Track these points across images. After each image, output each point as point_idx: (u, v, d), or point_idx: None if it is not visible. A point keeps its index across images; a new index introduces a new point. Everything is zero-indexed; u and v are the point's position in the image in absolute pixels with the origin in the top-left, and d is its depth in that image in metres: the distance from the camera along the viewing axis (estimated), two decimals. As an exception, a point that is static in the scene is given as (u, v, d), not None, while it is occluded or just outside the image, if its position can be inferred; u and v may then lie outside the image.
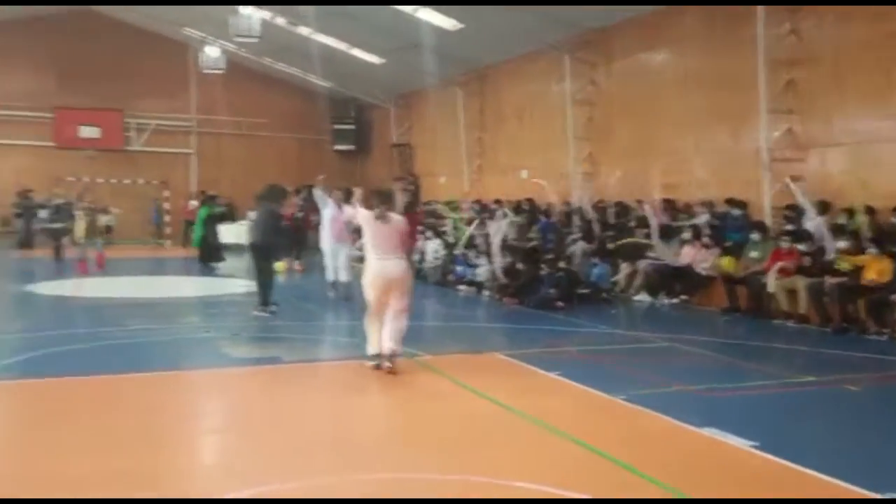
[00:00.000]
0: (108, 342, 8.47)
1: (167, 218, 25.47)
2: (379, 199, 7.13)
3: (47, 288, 13.34)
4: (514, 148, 18.78)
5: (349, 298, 11.10)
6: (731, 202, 12.26)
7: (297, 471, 4.56)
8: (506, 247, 12.93)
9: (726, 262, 11.56)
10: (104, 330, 9.23)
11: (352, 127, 26.86)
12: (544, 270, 11.96)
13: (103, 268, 14.91)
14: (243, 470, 4.62)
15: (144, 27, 24.59)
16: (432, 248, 15.04)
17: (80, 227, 15.61)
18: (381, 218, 6.89)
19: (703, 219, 12.45)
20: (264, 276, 10.32)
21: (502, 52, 18.12)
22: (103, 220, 15.94)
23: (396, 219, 7.03)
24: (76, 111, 24.15)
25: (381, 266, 6.88)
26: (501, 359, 7.82)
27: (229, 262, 16.97)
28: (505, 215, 14.64)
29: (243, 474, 4.52)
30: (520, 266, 12.37)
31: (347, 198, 12.73)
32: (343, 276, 11.92)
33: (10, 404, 6.06)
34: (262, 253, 10.35)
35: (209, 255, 17.18)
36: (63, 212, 17.98)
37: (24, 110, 23.67)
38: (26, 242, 18.44)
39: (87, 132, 24.32)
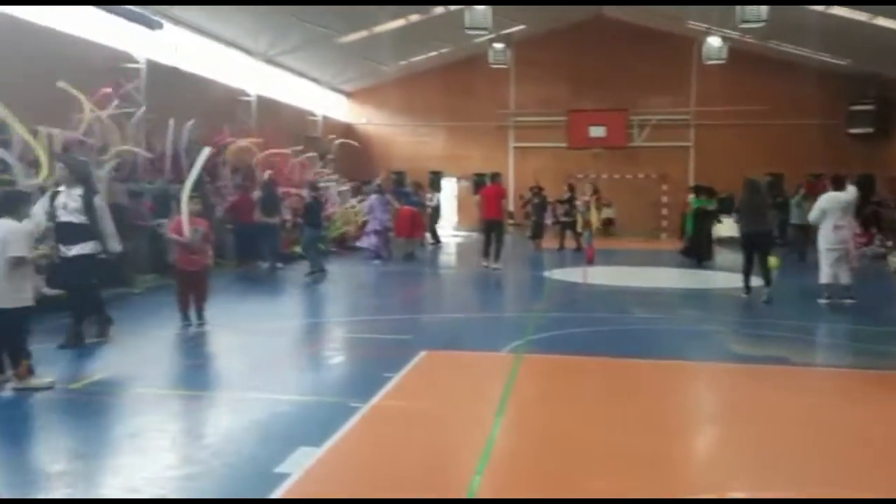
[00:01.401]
0: (615, 327, 9.04)
1: (664, 211, 26.07)
2: None
3: (558, 274, 14.81)
4: None
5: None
6: None
7: (802, 480, 4.20)
8: None
9: None
10: (610, 315, 9.88)
11: (870, 108, 23.78)
12: None
13: (592, 260, 15.85)
14: (752, 470, 4.44)
15: (648, 26, 25.50)
16: None
17: (583, 219, 16.96)
18: None
19: None
20: (748, 265, 10.93)
21: None
22: (604, 213, 16.96)
23: None
24: (587, 113, 26.35)
25: None
26: None
27: (724, 257, 16.48)
28: None
29: (752, 474, 4.35)
30: None
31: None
32: (843, 279, 10.54)
33: (540, 377, 6.85)
34: (751, 244, 10.97)
35: (697, 250, 16.70)
36: (572, 206, 19.75)
37: (542, 115, 26.80)
38: (539, 233, 20.67)
39: (596, 132, 26.39)
